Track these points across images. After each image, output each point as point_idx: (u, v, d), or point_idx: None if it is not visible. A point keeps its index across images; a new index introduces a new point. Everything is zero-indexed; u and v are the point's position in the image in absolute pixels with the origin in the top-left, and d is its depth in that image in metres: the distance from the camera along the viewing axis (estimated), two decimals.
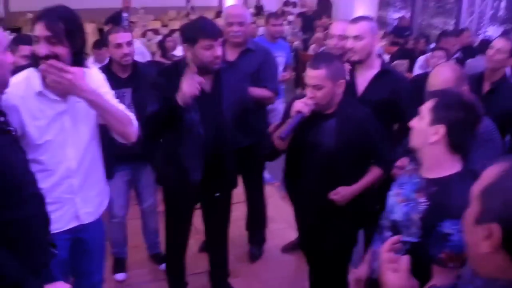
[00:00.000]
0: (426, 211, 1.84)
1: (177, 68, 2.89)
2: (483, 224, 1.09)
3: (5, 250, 1.69)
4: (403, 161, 2.48)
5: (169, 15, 16.11)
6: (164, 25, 14.14)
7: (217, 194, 3.14)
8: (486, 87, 3.50)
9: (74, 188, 2.34)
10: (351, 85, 3.00)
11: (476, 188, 1.16)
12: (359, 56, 3.08)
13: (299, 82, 11.16)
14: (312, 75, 2.54)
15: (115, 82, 3.22)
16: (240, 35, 3.56)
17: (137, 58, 7.25)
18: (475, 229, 1.12)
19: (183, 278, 3.49)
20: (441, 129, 1.84)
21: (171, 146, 2.94)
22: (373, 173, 2.74)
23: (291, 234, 4.46)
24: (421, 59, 5.65)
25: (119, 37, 3.30)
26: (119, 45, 3.27)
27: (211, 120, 2.90)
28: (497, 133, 2.57)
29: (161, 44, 7.48)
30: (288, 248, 4.33)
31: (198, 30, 2.74)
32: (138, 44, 7.77)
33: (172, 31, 8.75)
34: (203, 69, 2.80)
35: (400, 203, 1.98)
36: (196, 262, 3.91)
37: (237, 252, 4.03)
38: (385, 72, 3.16)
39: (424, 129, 1.88)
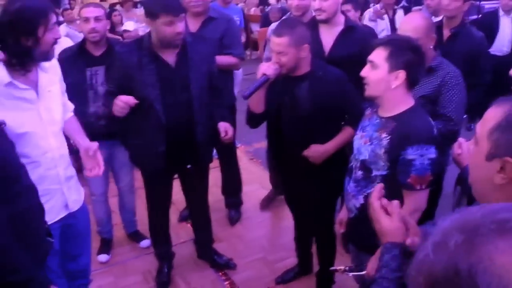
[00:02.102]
0: (389, 144, 2.06)
1: (141, 44, 2.89)
2: (495, 159, 1.19)
3: (16, 244, 1.71)
4: None
5: None
6: (102, 0, 13.69)
7: (189, 166, 3.19)
8: (447, 33, 3.61)
9: (60, 177, 2.35)
10: (317, 45, 3.07)
11: (483, 129, 1.24)
12: (326, 15, 3.16)
13: (248, 43, 11.16)
14: (276, 42, 2.60)
15: (88, 59, 3.27)
16: (200, 4, 3.55)
17: None
18: (486, 165, 1.21)
19: (170, 249, 3.58)
20: (401, 74, 2.02)
21: (136, 122, 2.95)
22: (346, 133, 2.81)
23: (264, 193, 4.63)
24: (369, 12, 5.75)
25: (87, 11, 3.24)
26: (86, 20, 3.21)
27: (177, 94, 2.91)
28: (462, 77, 2.72)
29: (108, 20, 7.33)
30: (265, 204, 4.51)
31: (159, 5, 2.71)
32: None
33: (113, 5, 8.53)
34: (165, 44, 2.81)
35: (365, 144, 2.18)
36: (177, 232, 4.01)
37: (217, 217, 4.11)
38: (351, 28, 3.25)
39: (384, 77, 2.04)
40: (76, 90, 2.94)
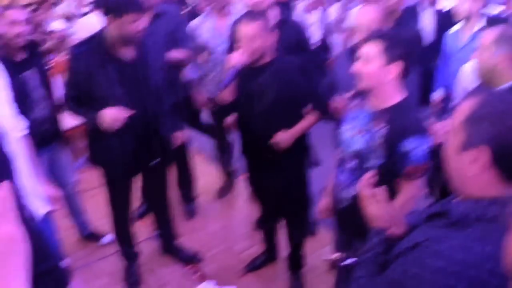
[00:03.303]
0: (385, 135, 2.10)
1: (99, 41, 2.83)
2: (470, 150, 1.21)
3: None
4: (339, 102, 2.76)
5: None
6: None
7: (154, 162, 3.17)
8: None
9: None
10: None
11: (457, 120, 1.25)
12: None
13: None
14: (249, 27, 2.64)
15: (14, 67, 2.95)
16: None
17: None
18: (461, 156, 1.23)
19: (134, 247, 3.53)
20: (398, 66, 2.07)
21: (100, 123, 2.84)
22: (310, 119, 2.90)
23: (215, 185, 4.66)
24: (300, 7, 5.81)
25: (14, 14, 2.95)
26: (13, 23, 2.92)
27: (138, 89, 2.90)
28: None
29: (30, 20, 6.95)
30: (223, 194, 4.58)
31: (125, 4, 2.68)
32: None
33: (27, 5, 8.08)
34: (125, 42, 2.79)
35: (358, 134, 2.21)
36: (138, 230, 3.93)
37: (174, 212, 4.09)
38: (284, 22, 3.51)
39: (380, 70, 2.08)
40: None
